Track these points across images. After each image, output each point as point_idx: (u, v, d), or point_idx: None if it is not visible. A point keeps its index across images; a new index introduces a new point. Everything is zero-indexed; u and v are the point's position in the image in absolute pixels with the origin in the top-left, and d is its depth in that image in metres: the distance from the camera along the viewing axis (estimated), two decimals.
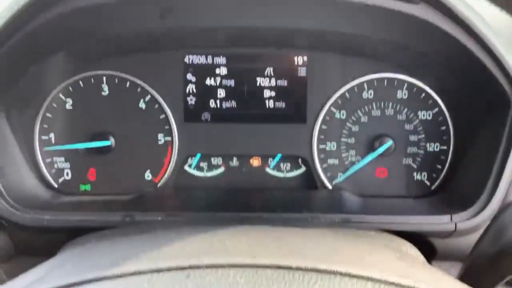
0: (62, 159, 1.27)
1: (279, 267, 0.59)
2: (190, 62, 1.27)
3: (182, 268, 0.60)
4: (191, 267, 0.60)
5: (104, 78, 1.26)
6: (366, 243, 0.82)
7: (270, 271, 0.60)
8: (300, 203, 1.23)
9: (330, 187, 1.28)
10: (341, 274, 0.58)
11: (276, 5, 1.06)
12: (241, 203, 1.22)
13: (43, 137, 1.26)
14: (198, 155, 1.31)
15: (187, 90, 1.28)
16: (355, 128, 1.28)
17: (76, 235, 1.02)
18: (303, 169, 1.32)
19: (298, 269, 0.58)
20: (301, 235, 0.78)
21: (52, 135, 1.26)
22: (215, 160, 1.32)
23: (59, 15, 0.94)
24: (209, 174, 1.32)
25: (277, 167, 1.32)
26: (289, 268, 0.60)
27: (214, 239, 0.73)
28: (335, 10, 1.07)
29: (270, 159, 1.31)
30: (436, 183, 1.28)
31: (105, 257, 0.70)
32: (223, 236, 0.73)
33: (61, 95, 1.25)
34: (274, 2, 1.05)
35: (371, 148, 1.27)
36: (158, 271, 0.61)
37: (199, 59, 1.27)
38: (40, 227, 1.05)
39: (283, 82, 1.28)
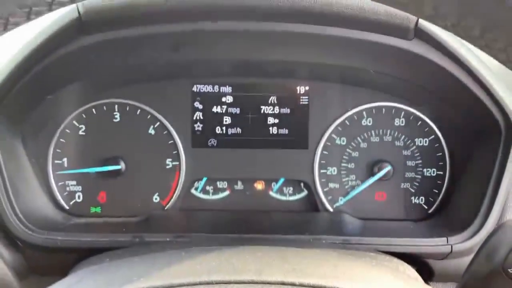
0: (74, 182, 1.32)
1: (283, 283, 0.64)
2: (198, 91, 1.34)
3: (194, 285, 0.65)
4: (201, 283, 0.65)
5: (116, 106, 1.32)
6: (366, 262, 0.86)
7: (275, 287, 0.65)
8: (302, 225, 1.28)
9: (331, 210, 1.33)
10: None
11: (279, 42, 1.13)
12: (245, 225, 1.27)
13: (56, 161, 1.31)
14: (204, 179, 1.36)
15: (195, 117, 1.34)
16: (355, 154, 1.33)
17: (86, 255, 1.07)
18: (305, 192, 1.37)
19: (301, 285, 0.63)
20: (303, 254, 0.83)
21: (65, 159, 1.32)
22: (221, 184, 1.37)
23: (78, 48, 1.01)
24: (215, 197, 1.37)
25: (280, 191, 1.37)
26: (293, 284, 0.65)
27: (222, 258, 0.77)
28: (333, 45, 1.14)
29: (273, 183, 1.37)
30: (433, 207, 1.33)
31: (121, 274, 0.74)
32: (230, 255, 0.78)
33: (74, 122, 1.32)
34: (277, 40, 1.12)
35: (370, 173, 1.33)
36: (171, 287, 0.66)
37: (206, 88, 1.34)
38: (53, 248, 1.09)
39: (286, 110, 1.34)
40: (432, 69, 1.06)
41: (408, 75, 1.16)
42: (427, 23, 0.99)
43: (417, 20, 1.00)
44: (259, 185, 1.37)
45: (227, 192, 1.37)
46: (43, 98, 1.16)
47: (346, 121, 1.33)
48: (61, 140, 1.31)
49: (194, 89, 1.34)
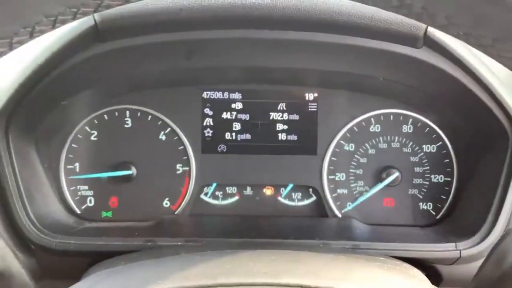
0: (86, 187, 1.34)
1: (301, 286, 0.65)
2: (208, 97, 1.36)
3: (211, 287, 0.66)
4: (219, 286, 0.66)
5: (128, 112, 1.34)
6: (378, 266, 0.88)
7: None
8: (311, 230, 1.29)
9: (339, 215, 1.34)
10: None
11: (289, 49, 1.15)
12: (254, 230, 1.28)
13: (68, 166, 1.33)
14: (214, 185, 1.38)
15: (205, 123, 1.36)
16: (363, 160, 1.35)
17: (99, 259, 1.08)
18: (313, 198, 1.38)
19: None
20: (317, 258, 0.84)
21: (77, 164, 1.34)
22: (230, 189, 1.38)
23: (94, 55, 1.03)
24: (224, 202, 1.39)
25: (288, 196, 1.38)
26: (309, 287, 0.66)
27: (238, 261, 0.79)
28: (342, 53, 1.16)
29: (282, 188, 1.38)
30: (441, 213, 1.34)
31: (139, 277, 0.76)
32: (245, 259, 0.79)
33: (86, 127, 1.34)
34: (287, 47, 1.13)
35: (378, 179, 1.34)
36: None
37: (216, 95, 1.36)
38: (66, 251, 1.11)
39: (295, 117, 1.36)
40: (441, 76, 1.07)
41: (417, 83, 1.17)
42: (436, 31, 1.01)
43: (426, 28, 1.01)
44: (268, 191, 1.39)
45: (236, 198, 1.39)
46: (57, 104, 1.18)
47: (355, 128, 1.35)
48: (73, 145, 1.33)
49: (204, 95, 1.36)
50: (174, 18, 0.95)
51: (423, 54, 1.05)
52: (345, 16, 1.02)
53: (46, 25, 0.53)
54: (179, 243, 1.11)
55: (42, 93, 1.10)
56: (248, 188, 1.39)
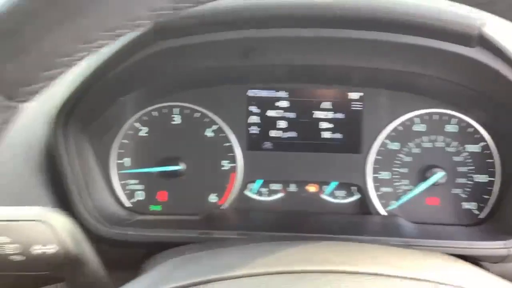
0: (136, 181, 1.39)
1: (376, 274, 0.68)
2: (253, 95, 1.39)
3: (293, 272, 0.69)
4: (303, 272, 0.69)
5: (176, 109, 1.38)
6: (436, 257, 0.90)
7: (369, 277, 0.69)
8: (357, 227, 1.31)
9: (384, 213, 1.36)
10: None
11: (340, 48, 1.17)
12: (299, 225, 1.31)
13: (119, 161, 1.38)
14: (259, 181, 1.40)
15: (250, 121, 1.39)
16: (408, 159, 1.36)
17: (153, 251, 1.12)
18: (356, 196, 1.40)
19: (396, 276, 0.68)
20: (383, 249, 0.87)
21: (127, 159, 1.38)
22: (275, 186, 1.41)
23: (154, 53, 1.07)
24: (269, 198, 1.41)
25: (332, 194, 1.41)
26: (386, 275, 0.69)
27: (313, 250, 0.82)
28: (395, 51, 1.17)
29: (325, 186, 1.40)
30: (485, 212, 1.35)
31: (215, 262, 0.79)
32: (321, 249, 0.82)
33: (137, 124, 1.38)
34: (339, 45, 1.16)
35: (422, 177, 1.35)
36: (267, 274, 0.70)
37: (261, 93, 1.39)
38: (125, 242, 1.15)
39: (340, 115, 1.38)
40: (493, 76, 1.08)
41: (467, 82, 1.19)
42: (491, 31, 1.02)
43: (481, 28, 1.03)
44: (312, 188, 1.41)
45: (280, 194, 1.41)
46: (113, 101, 1.22)
47: (399, 127, 1.36)
48: (123, 141, 1.38)
49: (250, 93, 1.39)
50: (236, 17, 0.98)
51: (477, 54, 1.06)
52: (403, 15, 1.04)
53: (128, 29, 0.55)
54: (235, 236, 1.14)
55: (101, 91, 1.14)
56: (293, 185, 1.41)
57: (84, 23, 0.52)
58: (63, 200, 1.15)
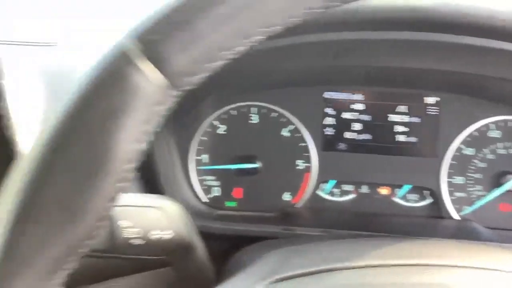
0: (213, 177, 1.43)
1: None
2: (329, 97, 1.42)
3: (409, 265, 0.72)
4: (416, 265, 0.72)
5: (254, 108, 1.42)
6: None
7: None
8: (432, 229, 1.33)
9: (457, 218, 1.37)
10: None
11: (426, 51, 1.20)
12: (374, 226, 1.33)
13: (197, 158, 1.42)
14: (332, 182, 1.43)
15: (326, 122, 1.42)
16: (482, 165, 1.37)
17: (235, 245, 1.16)
18: (429, 200, 1.42)
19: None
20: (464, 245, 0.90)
21: (205, 156, 1.42)
22: (347, 187, 1.44)
23: (255, 52, 1.11)
24: (341, 199, 1.44)
25: (404, 197, 1.42)
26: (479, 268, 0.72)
27: (407, 246, 0.84)
28: (475, 56, 1.19)
29: (397, 189, 1.42)
30: None
31: (326, 254, 0.82)
32: (417, 245, 0.85)
33: (215, 122, 1.42)
34: (425, 48, 1.18)
35: (496, 183, 1.36)
36: (382, 266, 0.73)
37: (338, 95, 1.42)
38: (211, 235, 1.19)
39: (416, 119, 1.40)
40: None
41: None
42: None
43: None
44: (384, 190, 1.43)
45: (352, 195, 1.44)
46: (204, 98, 1.27)
47: (474, 133, 1.38)
48: (202, 138, 1.42)
49: (326, 95, 1.42)
50: (343, 18, 1.02)
51: None
52: (487, 19, 1.05)
53: (282, 26, 0.59)
54: (317, 233, 1.17)
55: (198, 89, 1.18)
56: (365, 187, 1.44)
57: (247, 19, 0.56)
58: (155, 192, 1.20)
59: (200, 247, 0.93)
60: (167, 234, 0.86)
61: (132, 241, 0.84)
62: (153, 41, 0.47)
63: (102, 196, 0.47)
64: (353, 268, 0.74)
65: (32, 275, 0.47)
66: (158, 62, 0.47)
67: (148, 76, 0.48)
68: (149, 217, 0.85)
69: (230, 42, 0.58)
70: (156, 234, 0.85)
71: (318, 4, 0.60)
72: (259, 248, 1.05)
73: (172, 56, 0.48)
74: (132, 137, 0.50)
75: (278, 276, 0.73)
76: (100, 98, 0.47)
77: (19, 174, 0.47)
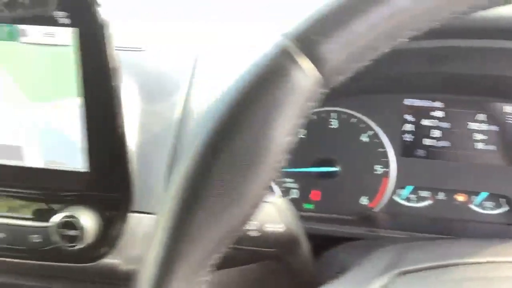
0: (291, 180, 1.47)
1: None
2: (409, 104, 1.45)
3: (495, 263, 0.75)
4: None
5: (335, 114, 1.46)
6: None
7: None
8: (508, 236, 1.33)
9: None
10: None
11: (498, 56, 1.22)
12: (451, 232, 1.35)
13: None
14: (409, 187, 1.46)
15: (405, 129, 1.45)
16: None
17: (319, 244, 1.19)
18: (505, 208, 1.43)
19: None
20: None
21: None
22: (424, 193, 1.46)
23: None
24: (417, 205, 1.46)
25: (481, 204, 1.44)
26: None
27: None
28: None
29: (474, 196, 1.44)
30: None
31: (440, 251, 0.85)
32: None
33: None
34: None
35: None
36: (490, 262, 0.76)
37: (418, 102, 1.45)
38: None
39: (494, 127, 1.42)
40: None
41: None
42: None
43: None
44: (460, 197, 1.45)
45: (429, 201, 1.46)
46: None
47: None
48: None
49: (406, 102, 1.45)
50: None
51: None
52: None
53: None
54: (402, 236, 1.20)
55: None
56: (441, 193, 1.45)
57: (401, 20, 0.60)
58: None
59: (306, 243, 0.97)
60: (279, 228, 0.91)
61: (250, 232, 0.89)
62: (314, 40, 0.50)
63: (260, 184, 0.51)
64: (473, 264, 0.77)
65: (195, 256, 0.50)
66: (317, 60, 0.50)
67: (307, 73, 0.51)
68: (264, 211, 0.90)
69: (380, 43, 0.62)
70: (270, 227, 0.90)
71: (462, 9, 0.63)
72: (352, 248, 1.09)
73: (330, 55, 0.51)
74: (288, 130, 0.54)
75: (399, 270, 0.77)
76: (263, 93, 0.50)
77: (187, 158, 0.51)
